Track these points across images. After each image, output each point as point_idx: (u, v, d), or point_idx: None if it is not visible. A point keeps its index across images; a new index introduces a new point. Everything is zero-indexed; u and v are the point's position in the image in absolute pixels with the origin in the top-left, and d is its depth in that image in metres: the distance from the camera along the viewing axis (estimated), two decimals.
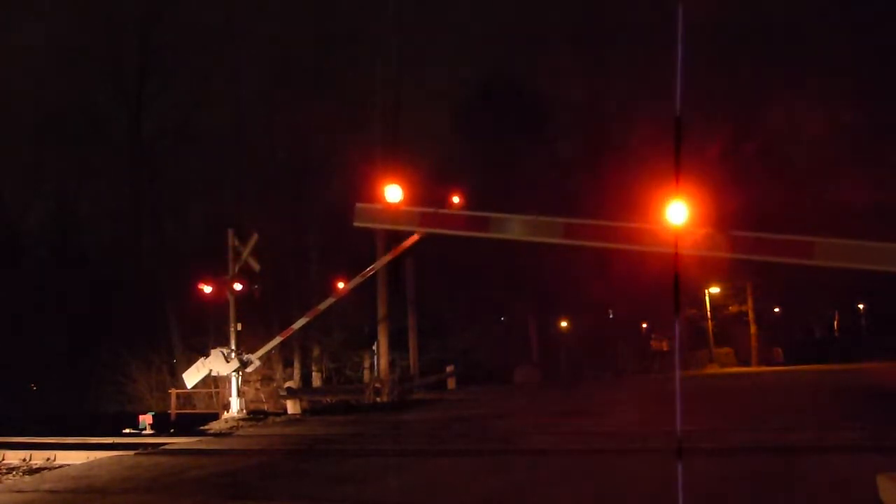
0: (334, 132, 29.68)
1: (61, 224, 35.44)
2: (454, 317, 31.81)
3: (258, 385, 23.65)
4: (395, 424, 10.67)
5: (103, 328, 30.26)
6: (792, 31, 31.78)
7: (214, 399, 23.06)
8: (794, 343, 39.42)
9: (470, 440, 8.36)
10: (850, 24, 29.14)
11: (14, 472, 10.31)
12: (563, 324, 36.87)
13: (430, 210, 6.61)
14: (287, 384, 23.71)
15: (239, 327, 13.92)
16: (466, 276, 29.23)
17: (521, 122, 32.62)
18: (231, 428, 11.49)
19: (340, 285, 14.71)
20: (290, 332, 15.19)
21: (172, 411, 22.40)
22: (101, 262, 34.48)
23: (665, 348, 38.85)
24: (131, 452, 8.44)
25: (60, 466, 9.55)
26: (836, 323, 44.57)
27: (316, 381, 27.73)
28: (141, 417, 16.74)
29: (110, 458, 8.06)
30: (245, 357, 13.71)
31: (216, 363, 13.46)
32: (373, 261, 15.50)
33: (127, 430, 15.49)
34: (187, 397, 23.89)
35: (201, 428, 12.37)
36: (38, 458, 11.22)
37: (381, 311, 18.61)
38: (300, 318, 14.79)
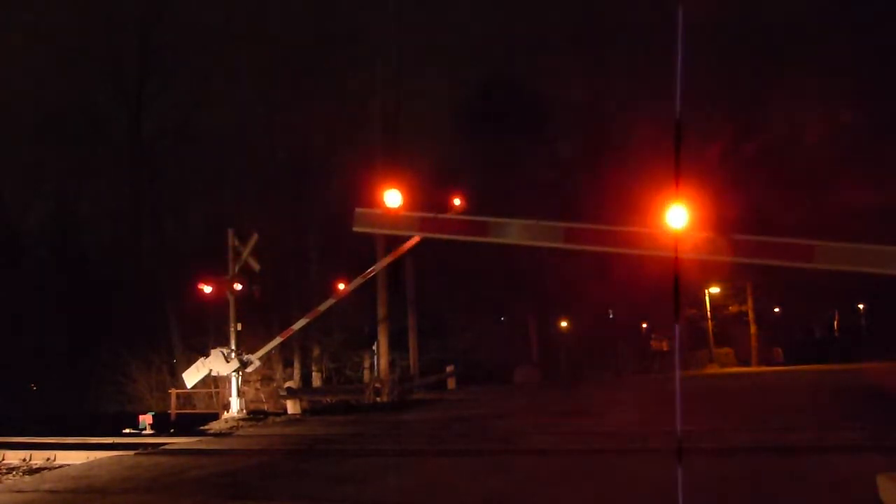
0: (334, 132, 29.72)
1: (61, 224, 35.45)
2: (454, 317, 31.82)
3: (258, 385, 23.65)
4: (395, 424, 10.67)
5: (103, 328, 30.26)
6: (792, 32, 31.81)
7: (214, 399, 23.06)
8: (794, 343, 39.42)
9: (470, 440, 8.36)
10: (850, 23, 29.15)
11: (14, 472, 10.31)
12: (563, 324, 36.88)
13: (430, 215, 6.60)
14: (287, 384, 23.71)
15: (239, 327, 13.93)
16: (466, 276, 29.23)
17: (521, 122, 32.61)
18: (231, 428, 11.50)
19: (341, 287, 14.72)
20: (291, 332, 15.21)
21: (172, 411, 22.40)
22: (101, 262, 34.49)
23: (665, 348, 38.86)
24: (131, 452, 8.44)
25: (60, 466, 9.55)
26: (836, 323, 44.56)
27: (316, 381, 27.72)
28: (141, 417, 16.73)
29: (110, 458, 8.06)
30: (245, 357, 13.72)
31: (216, 363, 13.47)
32: (373, 261, 15.52)
33: (127, 430, 15.48)
34: (187, 397, 23.89)
35: (201, 428, 12.38)
36: (38, 458, 11.22)
37: (381, 311, 18.62)
38: (300, 318, 14.81)
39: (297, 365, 27.47)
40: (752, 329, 36.36)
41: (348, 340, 27.94)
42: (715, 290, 37.49)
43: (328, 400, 19.79)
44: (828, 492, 4.85)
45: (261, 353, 14.53)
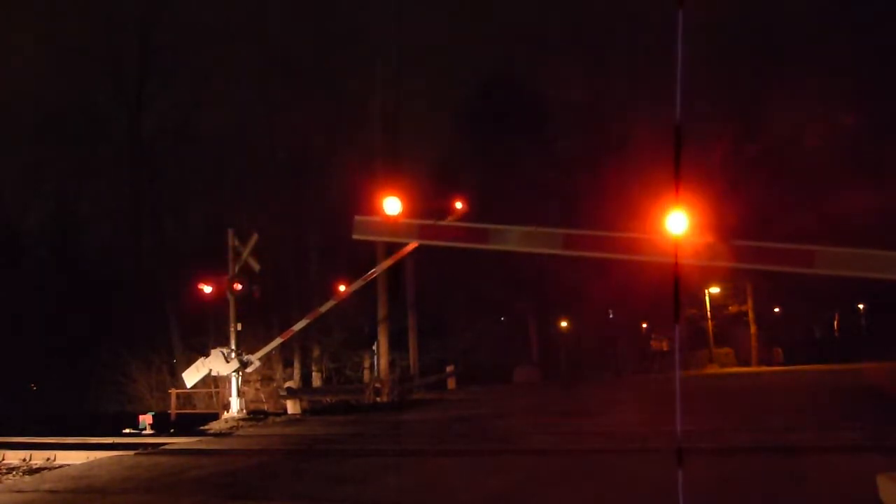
0: (334, 132, 29.72)
1: (61, 224, 35.44)
2: (454, 317, 31.84)
3: (258, 385, 23.64)
4: (395, 424, 10.67)
5: (103, 328, 30.25)
6: (792, 32, 31.82)
7: (214, 399, 23.05)
8: (794, 343, 39.38)
9: (470, 440, 8.36)
10: (850, 23, 29.14)
11: (14, 472, 10.31)
12: (563, 324, 36.87)
13: (429, 222, 6.62)
14: (287, 384, 23.72)
15: (239, 327, 13.93)
16: (466, 276, 29.24)
17: (521, 122, 32.61)
18: (231, 428, 11.50)
19: (342, 288, 14.74)
20: (291, 333, 15.21)
21: (172, 411, 22.38)
22: (101, 262, 34.47)
23: (665, 348, 38.84)
24: (131, 452, 8.44)
25: (60, 466, 9.55)
26: (836, 323, 44.53)
27: (316, 381, 27.72)
28: (141, 417, 16.72)
29: (110, 458, 8.06)
30: (245, 357, 13.72)
31: (216, 363, 13.47)
32: (373, 261, 15.53)
33: (127, 430, 15.47)
34: (187, 397, 23.87)
35: (201, 428, 12.37)
36: (38, 458, 11.22)
37: (382, 312, 18.64)
38: (300, 318, 14.81)
39: (297, 365, 27.47)
40: (752, 329, 36.32)
41: (348, 340, 27.94)
42: (715, 290, 37.48)
43: (328, 400, 19.80)
44: (828, 492, 4.85)
45: (261, 353, 14.54)
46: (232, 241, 14.04)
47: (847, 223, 21.61)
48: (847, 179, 25.90)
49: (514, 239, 6.33)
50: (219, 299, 14.74)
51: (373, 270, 14.44)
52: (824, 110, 29.05)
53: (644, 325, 40.60)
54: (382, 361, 18.50)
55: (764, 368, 31.29)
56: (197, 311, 23.85)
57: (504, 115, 32.59)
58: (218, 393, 22.24)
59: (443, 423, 10.38)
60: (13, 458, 11.39)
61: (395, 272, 19.07)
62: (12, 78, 38.19)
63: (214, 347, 14.17)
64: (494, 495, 5.23)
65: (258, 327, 20.48)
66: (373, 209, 6.57)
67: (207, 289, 14.71)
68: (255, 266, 14.18)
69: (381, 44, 21.66)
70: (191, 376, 13.73)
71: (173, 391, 23.51)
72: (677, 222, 4.99)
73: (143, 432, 15.40)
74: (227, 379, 14.06)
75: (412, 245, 13.61)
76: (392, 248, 14.97)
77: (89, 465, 7.52)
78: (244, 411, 13.62)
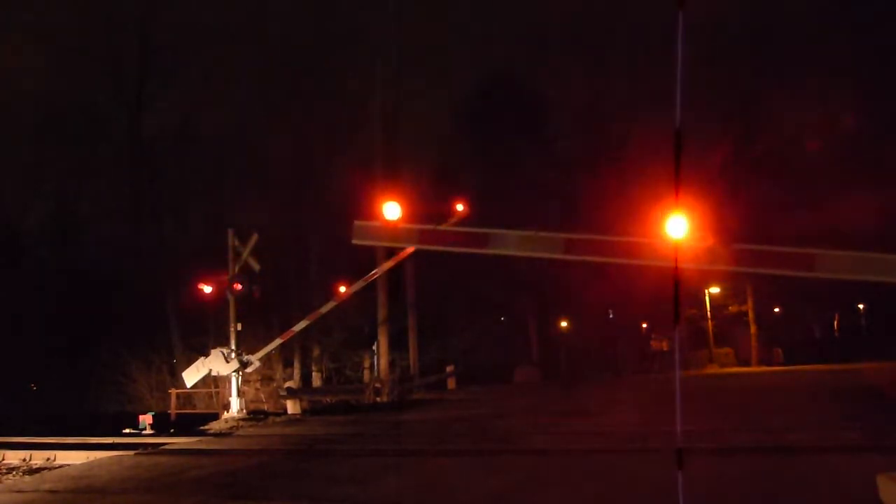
0: (334, 132, 29.72)
1: (61, 224, 35.43)
2: (454, 317, 31.82)
3: (258, 385, 23.64)
4: (395, 424, 10.67)
5: (103, 328, 30.25)
6: (792, 33, 31.81)
7: (214, 399, 23.05)
8: (794, 343, 39.37)
9: (470, 440, 8.36)
10: (850, 23, 29.15)
11: (14, 472, 10.31)
12: (563, 324, 36.88)
13: (429, 227, 6.63)
14: (287, 384, 23.72)
15: (239, 327, 13.94)
16: (466, 276, 29.24)
17: (521, 122, 32.62)
18: (231, 428, 11.50)
19: (342, 289, 14.75)
20: (291, 334, 15.22)
21: (172, 411, 22.38)
22: (101, 261, 34.45)
23: (665, 348, 38.85)
24: (131, 452, 8.44)
25: (60, 466, 9.55)
26: (836, 323, 44.53)
27: (316, 381, 27.72)
28: (141, 417, 16.72)
29: (110, 458, 8.06)
30: (245, 357, 13.72)
31: (216, 363, 13.48)
32: (373, 260, 15.52)
33: (127, 430, 15.47)
34: (187, 397, 23.88)
35: (201, 428, 12.38)
36: (38, 458, 11.22)
37: (382, 313, 18.64)
38: (300, 318, 14.82)
39: (297, 365, 27.47)
40: (752, 329, 36.31)
41: (348, 340, 27.94)
42: (715, 290, 37.47)
43: (328, 400, 19.80)
44: (828, 492, 4.85)
45: (261, 353, 14.54)
46: (232, 241, 14.04)
47: (848, 225, 21.61)
48: (848, 181, 25.91)
49: (514, 243, 6.34)
50: (219, 299, 14.74)
51: (373, 272, 14.44)
52: (825, 112, 29.07)
53: (644, 326, 40.61)
54: (382, 361, 18.50)
55: (764, 368, 31.29)
56: (197, 311, 23.85)
57: (504, 116, 32.59)
58: (218, 393, 22.24)
59: (443, 423, 10.38)
60: (13, 458, 11.39)
61: (395, 273, 19.07)
62: (12, 78, 38.19)
63: (214, 347, 14.18)
64: (494, 495, 5.23)
65: (258, 327, 20.48)
66: (372, 212, 6.57)
67: (207, 289, 14.71)
68: (255, 266, 14.19)
69: (381, 44, 21.64)
70: (191, 376, 13.74)
71: (173, 391, 23.51)
72: (677, 226, 4.99)
73: (143, 432, 15.40)
74: (227, 379, 14.07)
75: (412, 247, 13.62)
76: (392, 249, 14.97)
77: (89, 465, 7.52)
78: (244, 411, 13.63)
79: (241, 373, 13.65)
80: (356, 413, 13.23)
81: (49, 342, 29.86)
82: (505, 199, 28.10)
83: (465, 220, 13.25)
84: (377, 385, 17.10)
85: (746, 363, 35.41)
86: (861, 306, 42.50)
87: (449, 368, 22.83)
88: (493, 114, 32.96)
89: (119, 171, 34.01)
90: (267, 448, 8.38)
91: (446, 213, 13.10)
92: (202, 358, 13.85)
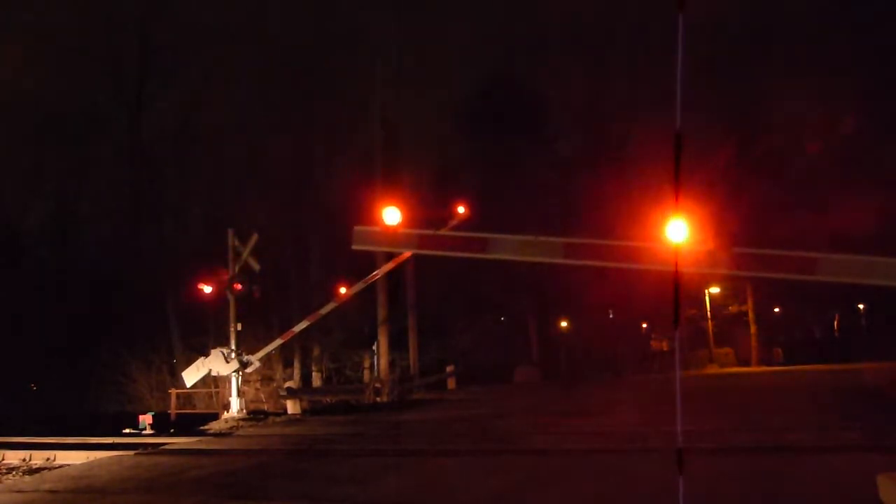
0: (334, 132, 29.73)
1: (61, 224, 35.42)
2: (454, 317, 31.81)
3: (258, 385, 23.64)
4: (395, 424, 10.67)
5: (103, 328, 30.25)
6: (793, 33, 31.83)
7: (214, 399, 23.04)
8: (794, 343, 39.40)
9: (470, 440, 8.36)
10: (850, 24, 29.15)
11: (14, 472, 10.31)
12: (563, 324, 36.87)
13: (429, 232, 6.65)
14: (287, 384, 23.71)
15: (239, 327, 13.94)
16: (466, 276, 29.25)
17: (521, 122, 32.60)
18: (231, 428, 11.50)
19: (342, 290, 14.76)
20: (291, 334, 15.22)
21: (172, 411, 22.38)
22: (101, 262, 34.44)
23: (665, 348, 38.84)
24: (131, 452, 8.44)
25: (60, 466, 9.55)
26: (836, 323, 44.54)
27: (316, 381, 27.72)
28: (141, 417, 16.72)
29: (110, 458, 8.06)
30: (245, 358, 13.72)
31: (216, 363, 13.48)
32: (373, 261, 15.52)
33: (127, 430, 15.47)
34: (187, 397, 23.88)
35: (201, 428, 12.38)
36: (38, 458, 11.22)
37: (382, 313, 18.65)
38: (300, 318, 14.82)
39: (297, 365, 27.46)
40: (752, 329, 36.32)
41: (348, 340, 27.93)
42: (715, 290, 37.46)
43: (328, 400, 19.80)
44: (828, 492, 4.85)
45: (261, 353, 14.55)
46: (232, 241, 14.04)
47: (850, 227, 21.59)
48: (850, 183, 25.89)
49: (513, 248, 6.36)
50: (219, 299, 14.74)
51: (374, 273, 14.44)
52: (826, 113, 29.06)
53: (644, 326, 40.61)
54: (382, 361, 18.50)
55: (764, 368, 31.30)
56: (197, 311, 23.84)
57: (504, 115, 32.59)
58: (218, 393, 22.24)
59: (443, 423, 10.38)
60: (13, 458, 11.39)
61: (395, 273, 19.08)
62: (12, 78, 38.15)
63: (214, 347, 14.18)
64: (494, 495, 5.23)
65: (258, 327, 20.47)
66: (372, 216, 6.58)
67: (207, 289, 14.71)
68: (255, 266, 14.19)
69: (381, 44, 21.67)
70: (190, 376, 13.74)
71: (173, 391, 23.51)
72: (677, 230, 4.99)
73: (143, 432, 15.40)
74: (227, 379, 14.07)
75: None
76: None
77: (89, 465, 7.52)
78: (244, 411, 13.63)
79: (241, 373, 13.65)
80: (356, 413, 13.23)
81: (49, 342, 29.85)
82: (505, 199, 28.11)
83: (465, 221, 13.26)
84: (377, 385, 17.11)
85: (746, 363, 35.42)
86: (861, 306, 42.51)
87: (449, 368, 22.83)
88: (493, 114, 32.95)
89: (119, 171, 34.03)
90: (267, 448, 8.38)
91: (447, 216, 13.11)
92: (202, 358, 13.85)
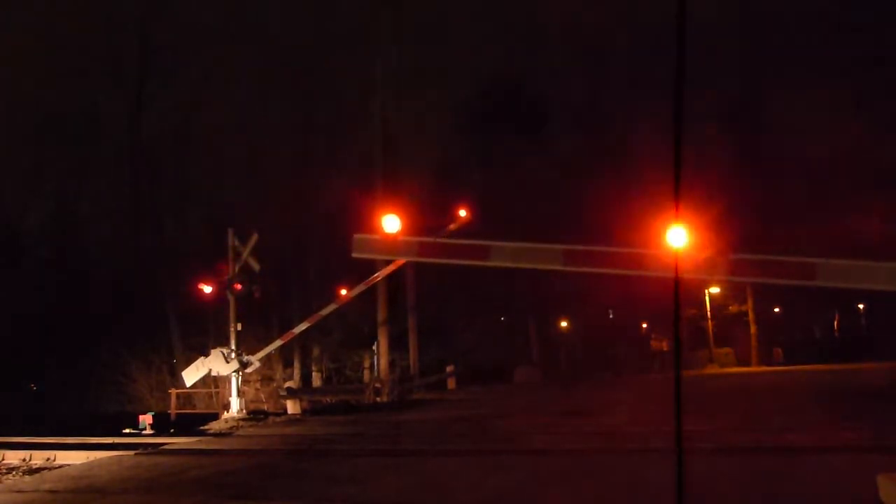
0: (334, 132, 29.75)
1: (61, 224, 35.43)
2: (454, 317, 31.81)
3: (258, 385, 23.65)
4: (395, 424, 10.66)
5: (103, 328, 30.26)
6: (793, 33, 31.82)
7: (214, 399, 23.05)
8: (794, 343, 39.40)
9: (470, 440, 8.36)
10: (850, 24, 29.14)
11: (14, 472, 10.32)
12: (563, 324, 36.88)
13: (429, 240, 6.66)
14: (287, 384, 23.72)
15: (239, 327, 13.94)
16: (466, 276, 29.26)
17: (521, 122, 32.62)
18: (231, 428, 11.50)
19: (343, 292, 14.76)
20: (292, 335, 15.22)
21: (172, 411, 22.39)
22: (101, 262, 34.46)
23: (665, 348, 38.86)
24: (131, 452, 8.44)
25: (60, 466, 9.55)
26: (836, 323, 44.56)
27: (316, 381, 27.72)
28: (141, 417, 16.73)
29: (110, 458, 8.06)
30: (245, 358, 13.72)
31: (216, 363, 13.48)
32: (373, 261, 15.50)
33: (127, 430, 15.49)
34: (187, 397, 23.88)
35: (201, 428, 12.38)
36: (38, 458, 11.23)
37: (381, 314, 18.64)
38: (300, 318, 14.83)
39: (297, 365, 27.47)
40: (752, 329, 36.33)
41: (348, 340, 27.94)
42: (715, 290, 37.47)
43: (328, 400, 19.80)
44: (828, 492, 4.85)
45: (261, 354, 14.55)
46: (232, 241, 14.04)
47: (852, 230, 21.60)
48: (851, 185, 25.88)
49: (514, 255, 6.37)
50: (219, 299, 14.74)
51: (375, 276, 14.43)
52: (828, 114, 29.05)
53: (644, 325, 40.62)
54: (382, 361, 18.49)
55: (764, 368, 31.30)
56: (197, 311, 23.85)
57: (504, 115, 32.60)
58: (218, 393, 22.24)
59: (443, 423, 10.38)
60: (13, 458, 11.40)
61: (395, 273, 19.08)
62: (12, 78, 38.16)
63: (214, 347, 14.18)
64: (494, 495, 5.23)
65: (258, 327, 20.48)
66: (372, 221, 6.58)
67: (207, 289, 14.71)
68: (255, 266, 14.18)
69: (381, 44, 21.66)
70: (190, 375, 13.74)
71: (173, 391, 23.52)
72: (678, 237, 5.00)
73: (143, 432, 15.41)
74: (227, 379, 14.07)
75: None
76: None
77: (89, 465, 7.51)
78: (244, 411, 13.63)
79: (241, 373, 13.65)
80: (356, 413, 13.22)
81: (49, 342, 29.86)
82: (505, 199, 28.09)
83: (466, 223, 13.27)
84: (377, 385, 17.10)
85: (746, 363, 35.43)
86: (861, 306, 42.54)
87: (449, 368, 22.83)
88: (492, 114, 32.96)
89: (119, 171, 34.06)
90: (267, 448, 8.38)
91: (448, 220, 13.12)
92: (202, 358, 13.85)
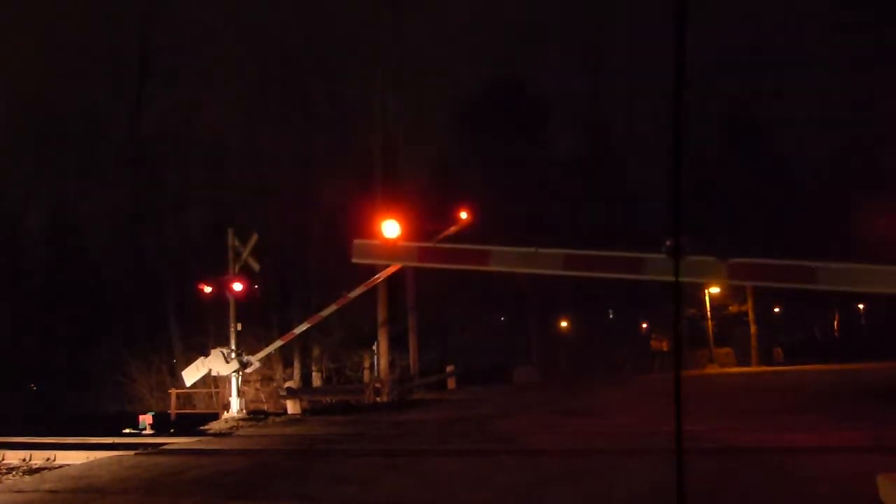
0: (334, 132, 29.74)
1: (61, 224, 35.44)
2: (454, 317, 31.82)
3: (258, 385, 23.65)
4: (395, 424, 10.66)
5: (103, 328, 30.27)
6: (793, 34, 31.83)
7: (214, 399, 23.06)
8: (795, 343, 39.38)
9: (470, 440, 8.36)
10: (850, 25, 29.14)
11: (14, 472, 10.32)
12: (563, 324, 36.87)
13: (429, 245, 6.65)
14: (287, 384, 23.69)
15: (239, 327, 13.94)
16: (467, 276, 29.27)
17: (521, 121, 32.62)
18: (231, 428, 11.50)
19: (343, 293, 14.75)
20: (292, 336, 15.21)
21: (172, 411, 22.39)
22: (101, 262, 34.47)
23: (665, 348, 38.84)
24: (131, 452, 8.43)
25: (60, 466, 9.55)
26: (836, 323, 44.56)
27: (316, 381, 27.71)
28: (141, 417, 16.74)
29: (110, 458, 8.06)
30: (245, 358, 13.72)
31: (216, 363, 13.48)
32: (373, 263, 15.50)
33: (127, 430, 15.49)
34: (187, 397, 23.88)
35: (201, 428, 12.38)
36: (38, 458, 11.23)
37: (382, 314, 18.64)
38: (300, 318, 14.82)
39: (297, 365, 27.46)
40: (752, 329, 36.30)
41: (348, 340, 27.93)
42: (715, 290, 37.44)
43: (328, 400, 19.79)
44: (828, 492, 4.85)
45: (261, 354, 14.54)
46: (232, 241, 14.04)
47: (852, 231, 21.61)
48: (852, 186, 25.88)
49: (514, 260, 6.38)
50: (219, 299, 14.75)
51: (376, 277, 14.42)
52: (827, 114, 29.08)
53: (644, 325, 40.61)
54: (382, 361, 18.49)
55: (764, 368, 31.29)
56: (197, 311, 23.86)
57: (505, 115, 32.60)
58: (218, 393, 22.25)
59: (443, 423, 10.38)
60: (13, 458, 11.40)
61: (395, 273, 19.08)
62: (13, 78, 38.20)
63: (214, 347, 14.18)
64: (495, 495, 5.23)
65: (258, 327, 20.47)
66: (372, 224, 6.57)
67: (207, 289, 14.72)
68: (256, 266, 14.19)
69: (381, 45, 21.68)
70: (190, 375, 13.74)
71: (173, 391, 23.52)
72: (674, 242, 5.01)
73: (143, 432, 15.42)
74: (227, 379, 14.07)
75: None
76: None
77: (89, 465, 7.51)
78: (244, 411, 13.63)
79: (240, 373, 13.65)
80: (356, 413, 13.22)
81: (49, 342, 29.87)
82: (505, 199, 28.09)
83: (467, 226, 13.27)
84: (377, 385, 17.10)
85: (746, 363, 35.41)
86: (861, 306, 42.53)
87: (449, 368, 22.82)
88: (493, 114, 32.96)
89: (119, 171, 34.04)
90: (267, 448, 8.38)
91: (449, 222, 13.11)
92: (202, 357, 13.85)
